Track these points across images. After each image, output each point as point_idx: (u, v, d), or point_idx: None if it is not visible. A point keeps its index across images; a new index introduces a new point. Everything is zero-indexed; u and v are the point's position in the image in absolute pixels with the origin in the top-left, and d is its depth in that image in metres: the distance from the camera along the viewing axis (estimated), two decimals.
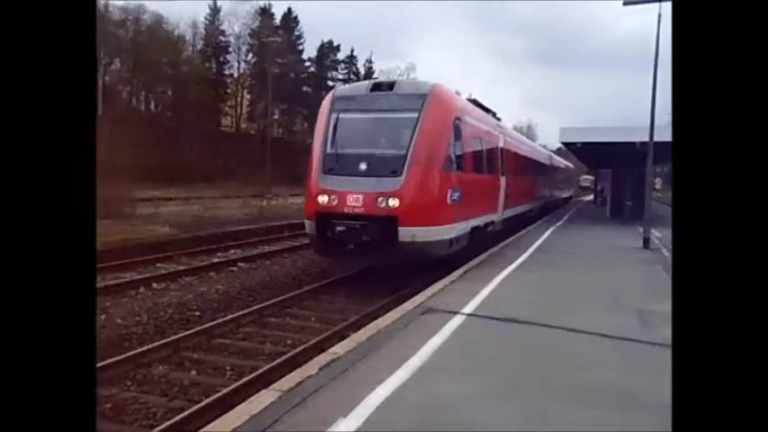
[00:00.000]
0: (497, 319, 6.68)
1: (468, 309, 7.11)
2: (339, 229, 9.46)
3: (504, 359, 5.23)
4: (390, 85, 10.69)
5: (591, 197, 50.18)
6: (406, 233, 9.23)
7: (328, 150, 10.12)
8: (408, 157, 9.48)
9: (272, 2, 62.30)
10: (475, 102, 14.35)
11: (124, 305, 8.92)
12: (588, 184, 65.21)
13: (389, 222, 9.21)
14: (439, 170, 9.73)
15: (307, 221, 10.26)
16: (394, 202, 9.24)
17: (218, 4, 59.50)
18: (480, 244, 12.56)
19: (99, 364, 6.02)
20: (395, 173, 9.42)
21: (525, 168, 19.41)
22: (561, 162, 38.20)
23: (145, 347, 6.70)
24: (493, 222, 13.78)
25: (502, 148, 14.89)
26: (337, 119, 10.28)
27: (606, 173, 34.17)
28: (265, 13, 62.02)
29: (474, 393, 4.35)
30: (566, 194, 41.82)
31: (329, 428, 3.65)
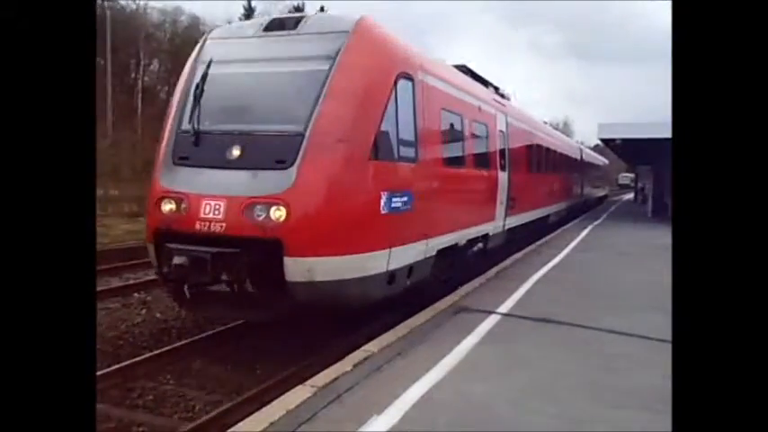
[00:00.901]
0: (534, 319, 6.55)
1: (504, 308, 6.99)
2: (178, 261, 5.38)
3: (541, 360, 5.11)
4: (296, 22, 6.44)
5: (631, 195, 48.61)
6: (298, 267, 5.39)
7: (183, 126, 6.24)
8: (307, 135, 5.58)
9: (305, 1, 62.96)
10: (463, 68, 10.23)
11: (163, 300, 9.17)
12: (628, 182, 63.27)
13: (270, 249, 5.40)
14: (362, 157, 5.79)
15: (148, 244, 6.24)
16: (278, 214, 5.38)
17: (253, 4, 60.49)
18: (467, 269, 9.11)
19: (141, 357, 6.23)
20: (282, 163, 5.57)
21: (543, 162, 15.15)
22: (594, 157, 33.79)
23: (183, 342, 6.87)
24: (487, 236, 9.91)
25: (504, 134, 10.91)
26: (204, 76, 6.30)
27: (647, 170, 33.10)
28: (299, 12, 62.80)
29: (510, 394, 4.26)
30: (600, 193, 37.34)
31: (364, 426, 3.64)
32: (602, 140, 21.74)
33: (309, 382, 4.45)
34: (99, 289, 8.94)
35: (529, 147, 13.51)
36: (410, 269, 6.71)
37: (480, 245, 9.77)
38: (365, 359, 4.99)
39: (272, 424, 3.63)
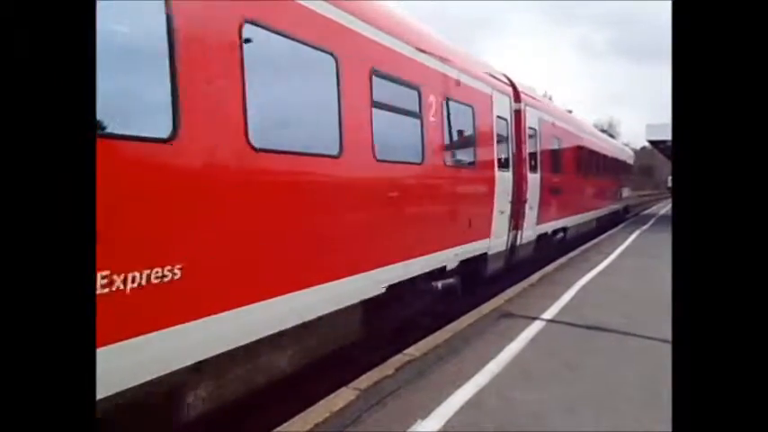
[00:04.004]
0: (581, 326, 6.33)
1: (549, 314, 6.81)
2: None
3: (591, 369, 4.92)
4: None
5: None
6: None
7: None
8: None
9: None
10: None
11: None
12: None
13: None
14: None
15: None
16: None
17: None
18: None
19: None
20: None
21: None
22: (599, 141, 17.93)
23: None
24: None
25: None
26: None
27: None
28: None
29: (562, 404, 4.12)
30: (617, 205, 20.97)
31: (409, 429, 3.60)
32: (651, 142, 20.94)
33: (353, 384, 4.44)
34: None
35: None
36: None
37: None
38: (407, 363, 4.95)
39: (317, 425, 3.64)
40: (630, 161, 25.57)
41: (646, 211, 31.16)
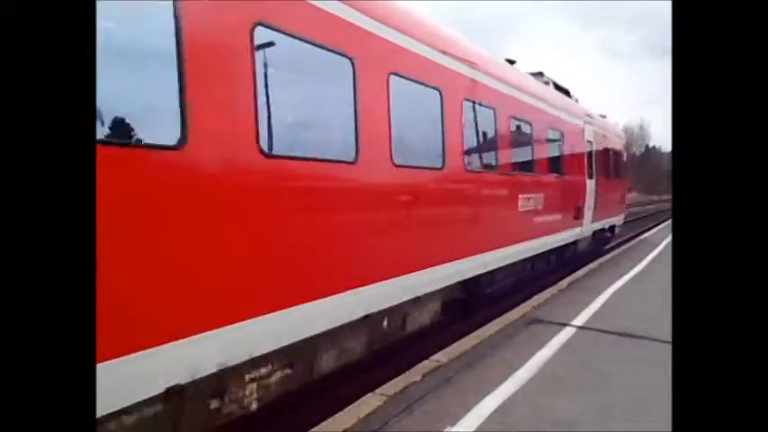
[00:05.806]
0: (612, 332, 6.18)
1: (579, 321, 6.66)
2: None
3: (623, 376, 4.79)
4: None
5: None
6: None
7: None
8: None
9: None
10: None
11: None
12: None
13: None
14: None
15: None
16: None
17: None
18: None
19: None
20: None
21: None
22: (526, 97, 8.38)
23: None
24: None
25: None
26: None
27: None
28: None
29: (593, 412, 4.01)
30: (548, 239, 9.46)
31: None
32: None
33: (379, 390, 4.42)
34: None
35: None
36: None
37: None
38: (435, 369, 4.91)
39: (345, 430, 3.63)
40: (619, 146, 16.46)
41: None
